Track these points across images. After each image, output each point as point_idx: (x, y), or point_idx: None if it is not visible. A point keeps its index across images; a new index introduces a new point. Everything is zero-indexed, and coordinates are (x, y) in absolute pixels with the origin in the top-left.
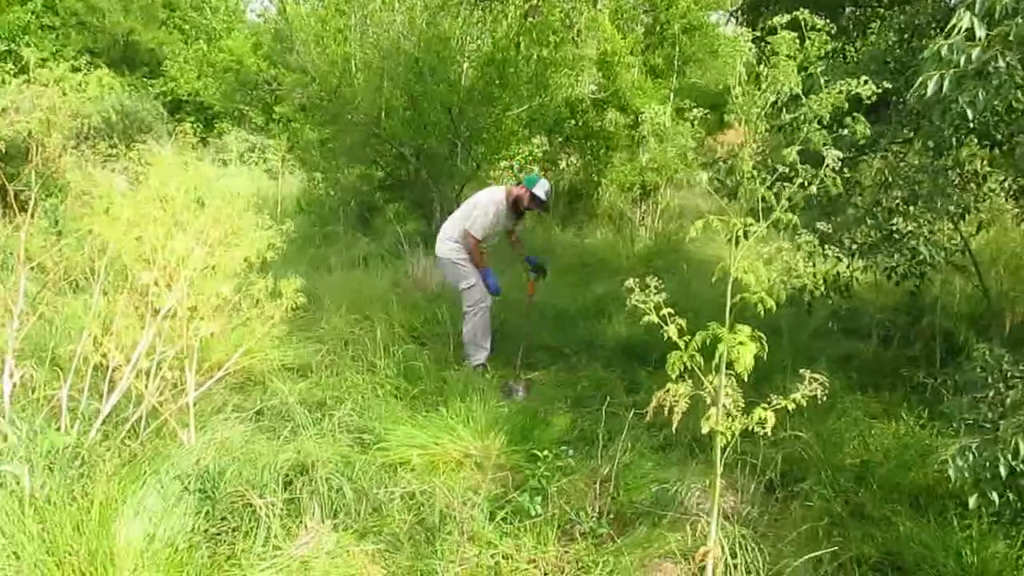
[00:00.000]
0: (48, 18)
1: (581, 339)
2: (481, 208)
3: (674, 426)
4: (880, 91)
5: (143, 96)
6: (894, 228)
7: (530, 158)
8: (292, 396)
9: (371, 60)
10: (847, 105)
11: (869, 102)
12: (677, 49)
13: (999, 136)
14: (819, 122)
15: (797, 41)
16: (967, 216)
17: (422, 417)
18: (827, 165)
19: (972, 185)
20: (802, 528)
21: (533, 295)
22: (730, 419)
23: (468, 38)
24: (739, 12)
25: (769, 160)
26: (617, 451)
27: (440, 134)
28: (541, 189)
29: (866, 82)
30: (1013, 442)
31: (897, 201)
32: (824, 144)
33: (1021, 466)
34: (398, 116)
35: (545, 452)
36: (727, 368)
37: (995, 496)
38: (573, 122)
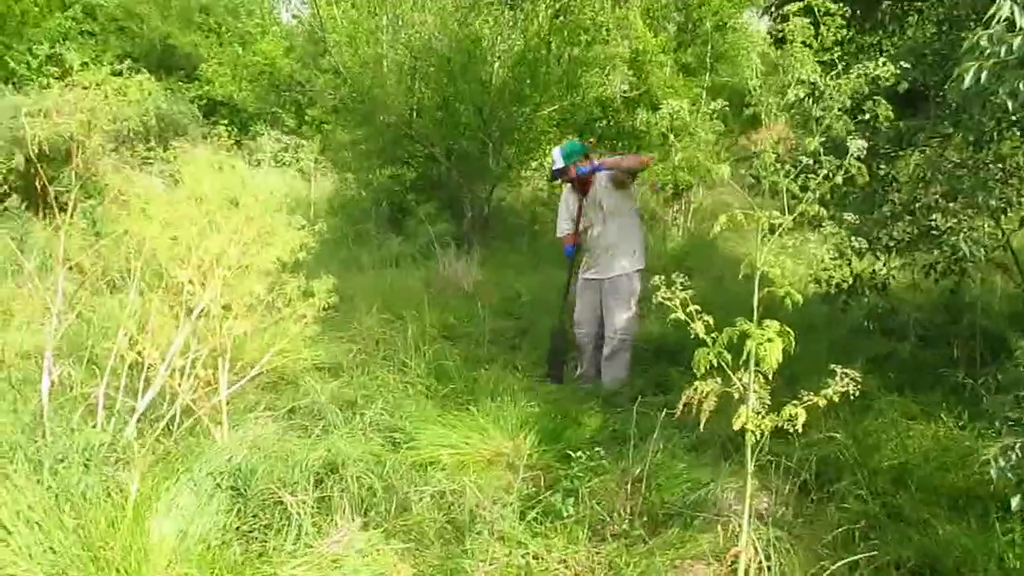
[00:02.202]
0: (88, 24)
1: None
2: None
3: (701, 424)
4: (900, 75)
5: (179, 99)
6: (933, 224)
7: None
8: (324, 395)
9: (403, 61)
10: (866, 90)
11: (905, 95)
12: (709, 47)
13: None
14: (842, 109)
15: (812, 27)
16: (1008, 211)
17: (452, 416)
18: (851, 155)
19: (1014, 180)
20: (837, 531)
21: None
22: (760, 416)
23: (499, 38)
24: (772, 7)
25: (791, 154)
26: (649, 451)
27: (471, 134)
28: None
29: (884, 64)
30: None
31: (936, 197)
32: (848, 132)
33: None
34: (429, 116)
35: (579, 453)
36: (755, 365)
37: None
38: (604, 122)
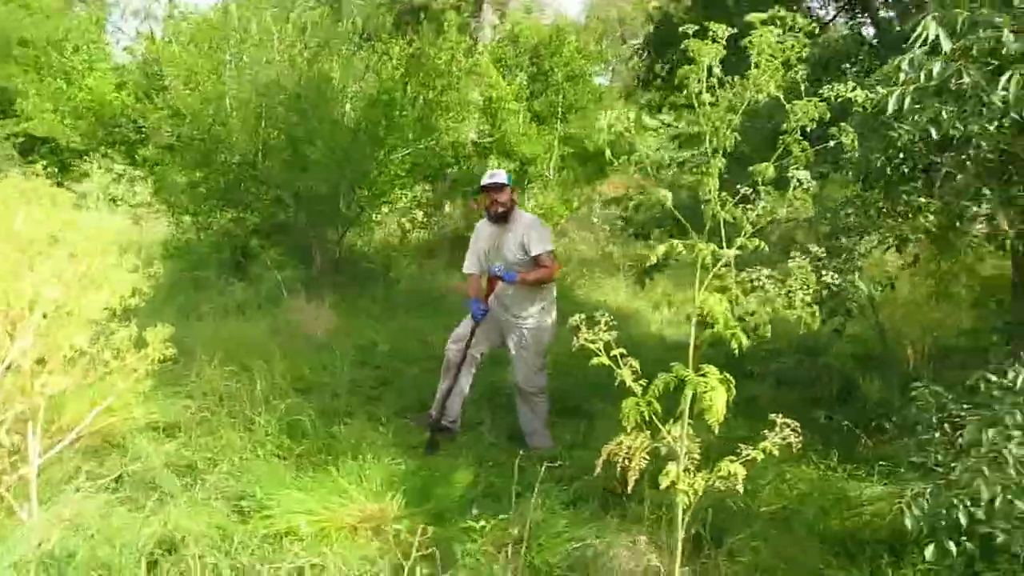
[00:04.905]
0: None
1: (485, 383)
2: None
3: (630, 486)
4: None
5: None
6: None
7: (414, 202)
8: (158, 459)
9: (248, 98)
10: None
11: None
12: (560, 96)
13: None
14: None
15: (777, 43)
16: (903, 249)
17: (309, 479)
18: (795, 187)
19: (905, 219)
20: None
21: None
22: (689, 475)
23: (351, 79)
24: (639, 52)
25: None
26: (528, 508)
27: (321, 176)
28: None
29: (854, 88)
30: (973, 486)
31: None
32: (809, 160)
33: (981, 513)
34: (276, 157)
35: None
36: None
37: (952, 546)
38: (457, 167)
